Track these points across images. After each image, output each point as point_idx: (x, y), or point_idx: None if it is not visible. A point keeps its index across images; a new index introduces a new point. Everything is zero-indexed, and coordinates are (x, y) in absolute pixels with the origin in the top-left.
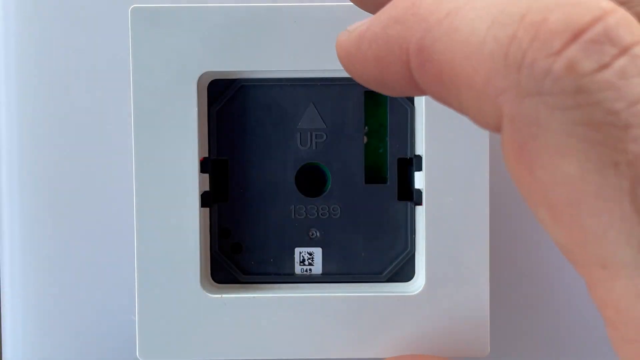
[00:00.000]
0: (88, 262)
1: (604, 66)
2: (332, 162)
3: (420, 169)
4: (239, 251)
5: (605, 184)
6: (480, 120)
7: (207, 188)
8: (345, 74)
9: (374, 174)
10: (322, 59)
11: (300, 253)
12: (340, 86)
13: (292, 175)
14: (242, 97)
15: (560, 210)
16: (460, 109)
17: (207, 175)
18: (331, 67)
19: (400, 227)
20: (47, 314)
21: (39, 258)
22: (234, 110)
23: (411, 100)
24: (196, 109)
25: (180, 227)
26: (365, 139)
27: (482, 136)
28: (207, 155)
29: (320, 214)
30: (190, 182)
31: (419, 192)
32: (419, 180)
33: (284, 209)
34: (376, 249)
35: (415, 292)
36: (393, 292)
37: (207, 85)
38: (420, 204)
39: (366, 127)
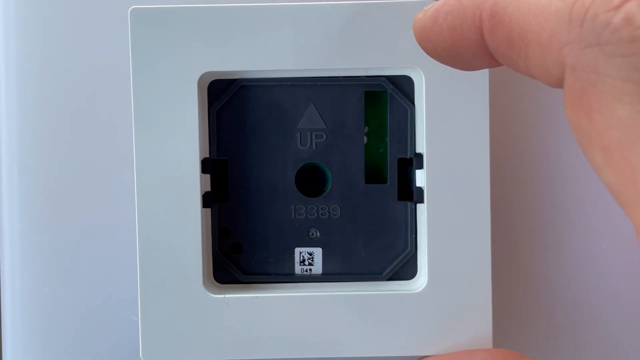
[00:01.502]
0: (89, 263)
1: None
2: (332, 162)
3: (421, 167)
4: (239, 251)
5: None
6: (543, 74)
7: (208, 188)
8: (345, 73)
9: (374, 174)
10: (322, 58)
11: (300, 253)
12: (340, 86)
13: (292, 175)
14: (242, 97)
15: (613, 152)
16: (526, 66)
17: (208, 176)
18: (331, 66)
19: (400, 227)
20: (47, 314)
21: (40, 258)
22: (234, 110)
23: (411, 100)
24: (197, 109)
25: (182, 227)
26: (365, 139)
27: (483, 134)
28: (207, 155)
29: (320, 214)
30: (191, 183)
31: (421, 190)
32: (421, 178)
33: (284, 209)
34: (376, 249)
35: (418, 290)
36: (395, 290)
37: (207, 85)
38: (421, 201)
39: (366, 127)
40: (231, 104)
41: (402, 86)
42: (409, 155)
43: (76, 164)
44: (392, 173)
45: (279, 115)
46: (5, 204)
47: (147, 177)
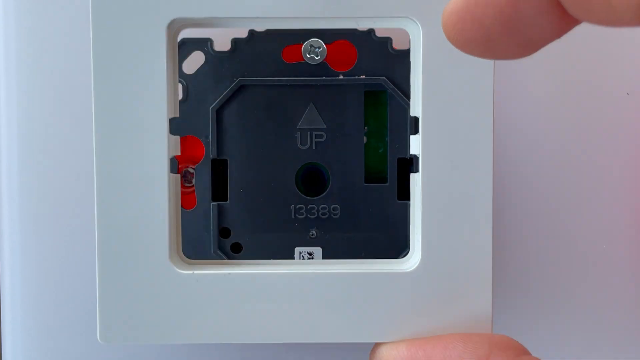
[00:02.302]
0: (89, 263)
1: None
2: (332, 162)
3: (416, 132)
4: (239, 251)
5: None
6: None
7: (177, 152)
8: (333, 24)
9: (374, 174)
10: (306, 4)
11: (300, 253)
12: (340, 86)
13: (292, 175)
14: (242, 97)
15: None
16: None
17: (177, 138)
18: (317, 14)
19: (400, 227)
20: (47, 314)
21: (40, 258)
22: (233, 110)
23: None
24: (165, 60)
25: (147, 194)
26: (365, 139)
27: (487, 94)
28: (177, 115)
29: (320, 214)
30: (158, 145)
31: (415, 157)
32: (415, 144)
33: (284, 208)
34: (376, 249)
35: (410, 269)
36: (384, 269)
37: (177, 35)
38: (416, 171)
39: (366, 127)
40: (231, 104)
41: (403, 86)
42: (409, 155)
43: (76, 164)
44: (392, 173)
45: (279, 115)
46: (5, 204)
47: (108, 137)
